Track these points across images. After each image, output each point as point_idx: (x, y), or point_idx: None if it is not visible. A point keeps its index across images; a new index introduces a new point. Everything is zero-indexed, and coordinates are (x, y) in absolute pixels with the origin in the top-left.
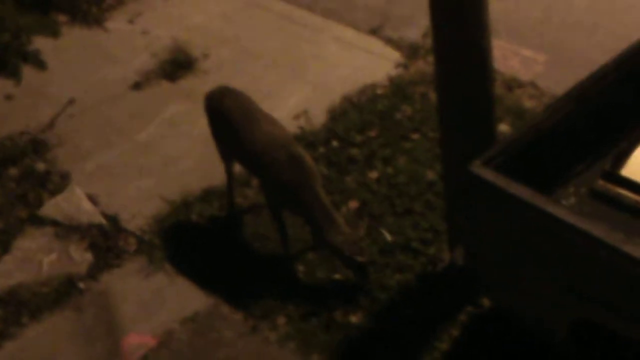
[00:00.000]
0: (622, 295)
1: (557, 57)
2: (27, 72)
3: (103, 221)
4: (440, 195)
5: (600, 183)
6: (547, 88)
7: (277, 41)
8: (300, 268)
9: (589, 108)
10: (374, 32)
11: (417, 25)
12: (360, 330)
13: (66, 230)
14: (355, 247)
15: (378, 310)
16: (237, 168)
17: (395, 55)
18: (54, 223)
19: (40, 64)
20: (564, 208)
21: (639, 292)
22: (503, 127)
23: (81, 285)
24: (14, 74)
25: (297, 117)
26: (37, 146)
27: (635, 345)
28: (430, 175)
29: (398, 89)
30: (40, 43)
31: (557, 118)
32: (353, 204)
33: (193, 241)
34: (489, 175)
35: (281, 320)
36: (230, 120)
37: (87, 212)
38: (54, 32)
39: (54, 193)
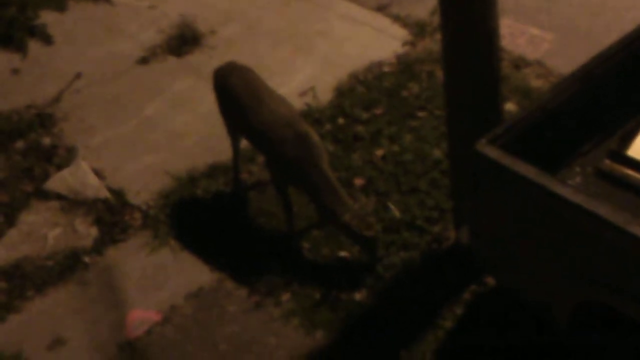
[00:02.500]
0: (627, 276)
1: (564, 36)
2: (33, 46)
3: (108, 196)
4: (446, 174)
5: (607, 163)
6: (554, 67)
7: (285, 18)
8: (305, 245)
9: (595, 88)
10: (381, 9)
11: (425, 2)
12: (364, 308)
13: (71, 204)
14: (363, 223)
15: (382, 288)
16: (243, 144)
17: (402, 33)
18: (60, 197)
19: (46, 38)
20: (569, 187)
21: None
22: (510, 106)
23: (86, 259)
24: (20, 48)
25: (303, 93)
26: (44, 120)
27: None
28: (437, 153)
29: (405, 66)
30: (47, 17)
31: (564, 97)
32: (359, 181)
33: (198, 217)
34: (494, 153)
35: (285, 296)
36: (238, 96)
37: (93, 187)
38: (60, 6)
39: (59, 167)
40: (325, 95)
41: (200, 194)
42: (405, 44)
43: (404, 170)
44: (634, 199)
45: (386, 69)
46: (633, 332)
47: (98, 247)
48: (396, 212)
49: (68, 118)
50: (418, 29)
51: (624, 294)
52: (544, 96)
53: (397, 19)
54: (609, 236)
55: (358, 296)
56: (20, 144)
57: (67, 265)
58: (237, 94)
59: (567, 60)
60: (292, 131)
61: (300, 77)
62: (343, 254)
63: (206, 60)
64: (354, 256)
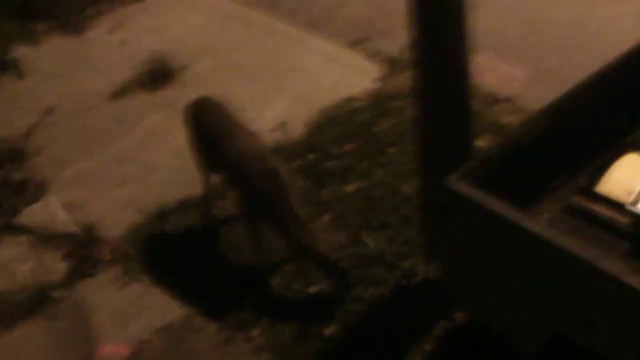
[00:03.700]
0: (595, 311)
1: (535, 73)
2: (5, 80)
3: (79, 230)
4: (417, 209)
5: (576, 199)
6: (525, 104)
7: (257, 53)
8: (275, 280)
9: (565, 124)
10: (353, 45)
11: (397, 39)
12: (334, 342)
13: (41, 239)
14: (337, 254)
15: (352, 323)
16: (215, 180)
17: (374, 69)
18: (30, 232)
19: (18, 72)
20: (538, 223)
21: (612, 308)
22: (481, 143)
23: (55, 294)
24: None
25: (275, 129)
26: (14, 155)
27: None
28: (407, 189)
29: (376, 102)
30: (18, 51)
31: (534, 133)
32: (329, 217)
33: (169, 252)
34: (464, 189)
35: (255, 332)
36: (209, 130)
37: (63, 222)
38: (32, 40)
39: (30, 202)
40: (296, 130)
41: (171, 228)
42: (376, 80)
43: (375, 206)
44: (602, 235)
45: (357, 104)
46: None
47: (67, 282)
48: (370, 243)
49: (39, 152)
50: (389, 66)
51: (592, 328)
52: (514, 132)
53: (368, 55)
54: (578, 271)
55: (327, 331)
56: None
57: (36, 300)
58: (208, 127)
59: (538, 97)
60: (262, 166)
61: (272, 113)
62: (313, 289)
63: (177, 96)
64: (324, 291)
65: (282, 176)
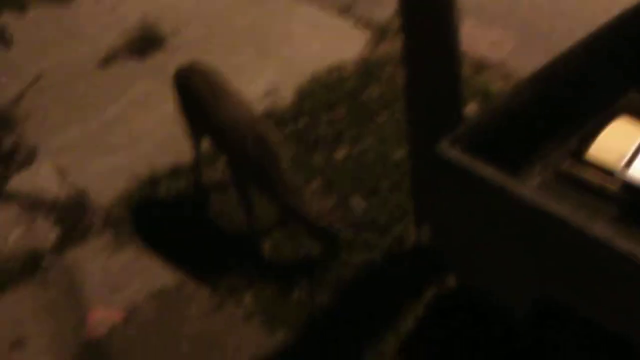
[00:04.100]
0: (584, 275)
1: (525, 39)
2: None
3: (70, 196)
4: (407, 175)
5: (566, 164)
6: (515, 70)
7: (247, 20)
8: (266, 245)
9: (555, 88)
10: (342, 12)
11: (386, 6)
12: (325, 308)
13: (32, 204)
14: (327, 218)
15: (343, 288)
16: (205, 146)
17: (363, 36)
18: (21, 197)
19: (5, 40)
20: (528, 188)
21: (600, 272)
22: (471, 108)
23: (46, 260)
24: None
25: (265, 95)
26: (4, 121)
27: (594, 325)
28: (397, 154)
29: (366, 69)
30: (6, 18)
31: (524, 98)
32: (319, 182)
33: (160, 218)
34: (454, 155)
35: (247, 297)
36: (198, 96)
37: (54, 188)
38: (20, 7)
39: (20, 167)
40: (287, 97)
41: (162, 195)
42: (366, 46)
43: (365, 172)
44: (592, 200)
45: (347, 71)
46: (587, 330)
47: (59, 248)
48: (359, 208)
49: (29, 119)
50: (379, 32)
51: (580, 292)
52: (504, 97)
53: (358, 21)
54: (567, 236)
55: (319, 296)
56: None
57: (28, 266)
58: (197, 93)
59: (528, 62)
60: (252, 131)
61: (263, 79)
62: (304, 254)
63: (168, 62)
64: (314, 256)
65: (272, 141)
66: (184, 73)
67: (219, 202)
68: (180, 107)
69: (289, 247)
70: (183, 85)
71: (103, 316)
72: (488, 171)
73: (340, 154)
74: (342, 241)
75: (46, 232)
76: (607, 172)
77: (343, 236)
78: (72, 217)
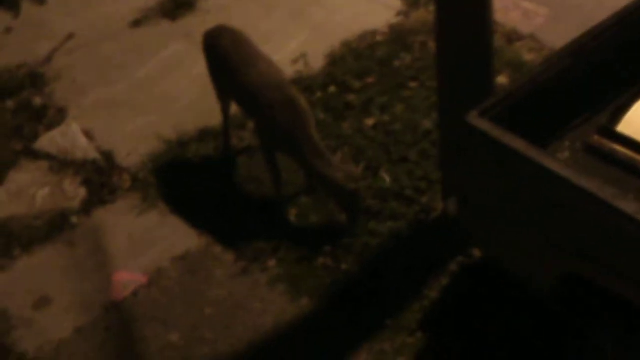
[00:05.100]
0: (611, 251)
1: (558, 10)
2: (27, 5)
3: (98, 157)
4: (436, 145)
5: (596, 138)
6: (547, 42)
7: None
8: (293, 211)
9: (587, 63)
10: None
11: None
12: (350, 275)
13: (60, 164)
14: (351, 182)
15: (369, 256)
16: (234, 110)
17: (396, 3)
18: (49, 157)
19: None
20: (557, 161)
21: (628, 248)
22: (502, 80)
23: (74, 220)
24: (13, 7)
25: (295, 61)
26: (35, 80)
27: (620, 300)
28: (427, 124)
29: (398, 36)
30: None
31: (555, 71)
32: (348, 150)
33: (187, 181)
34: (484, 126)
35: (272, 262)
36: (227, 59)
37: (83, 148)
38: None
39: (49, 127)
40: (317, 63)
41: (190, 158)
42: (398, 14)
43: (394, 140)
44: (621, 174)
45: (379, 38)
46: (614, 307)
47: (86, 208)
48: (387, 179)
49: (59, 78)
50: (412, 0)
51: (607, 268)
52: (535, 69)
53: None
54: (595, 210)
55: (344, 264)
56: (10, 103)
57: (55, 225)
58: (227, 56)
59: (560, 35)
60: (281, 95)
61: (293, 44)
62: (331, 221)
63: (199, 25)
64: (341, 223)
65: (302, 106)
66: (213, 34)
67: (247, 167)
68: (209, 69)
69: (316, 214)
70: (212, 47)
71: (128, 278)
72: (517, 143)
73: (370, 121)
74: (366, 209)
75: (73, 192)
76: (637, 146)
77: (369, 205)
78: (100, 177)
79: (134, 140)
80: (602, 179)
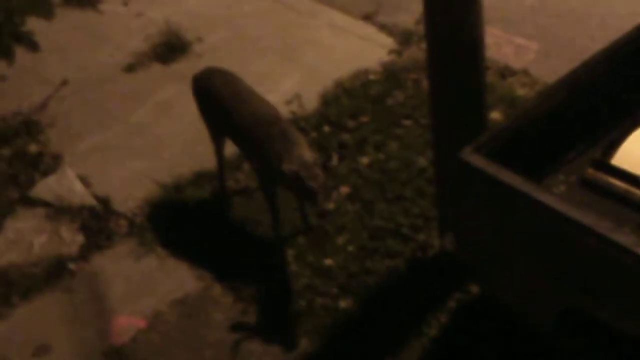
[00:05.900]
0: (610, 284)
1: (549, 45)
2: (20, 53)
3: (94, 203)
4: (431, 182)
5: (590, 171)
6: (539, 76)
7: (271, 26)
8: (291, 252)
9: (580, 96)
10: (367, 17)
11: (411, 11)
12: (349, 315)
13: (57, 211)
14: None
15: (367, 295)
16: (228, 152)
17: (388, 41)
18: (45, 204)
19: (33, 45)
20: (553, 196)
21: (626, 281)
22: (495, 115)
23: (72, 266)
24: (7, 55)
25: (289, 101)
26: (30, 127)
27: (622, 336)
28: (422, 161)
29: (390, 75)
30: (33, 24)
31: (548, 105)
32: (344, 189)
33: (184, 224)
34: (479, 162)
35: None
36: (220, 98)
37: (79, 194)
38: (47, 13)
39: (45, 174)
40: (310, 103)
41: (186, 201)
42: (391, 52)
43: (389, 178)
44: (617, 207)
45: (372, 77)
46: (614, 340)
47: (84, 254)
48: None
49: (54, 125)
50: (404, 38)
51: (606, 302)
52: (529, 104)
53: (383, 27)
54: (592, 244)
55: (343, 303)
56: (6, 151)
57: (53, 272)
58: (219, 95)
59: (552, 69)
60: (277, 129)
61: (286, 85)
62: (328, 261)
63: (192, 68)
64: (339, 264)
65: (297, 137)
66: (203, 76)
67: (244, 208)
68: (201, 111)
69: (313, 254)
70: (203, 87)
71: (127, 323)
72: (512, 178)
73: (365, 160)
74: (322, 195)
75: (71, 239)
76: (631, 178)
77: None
78: (97, 223)
79: (130, 185)
80: (598, 213)
